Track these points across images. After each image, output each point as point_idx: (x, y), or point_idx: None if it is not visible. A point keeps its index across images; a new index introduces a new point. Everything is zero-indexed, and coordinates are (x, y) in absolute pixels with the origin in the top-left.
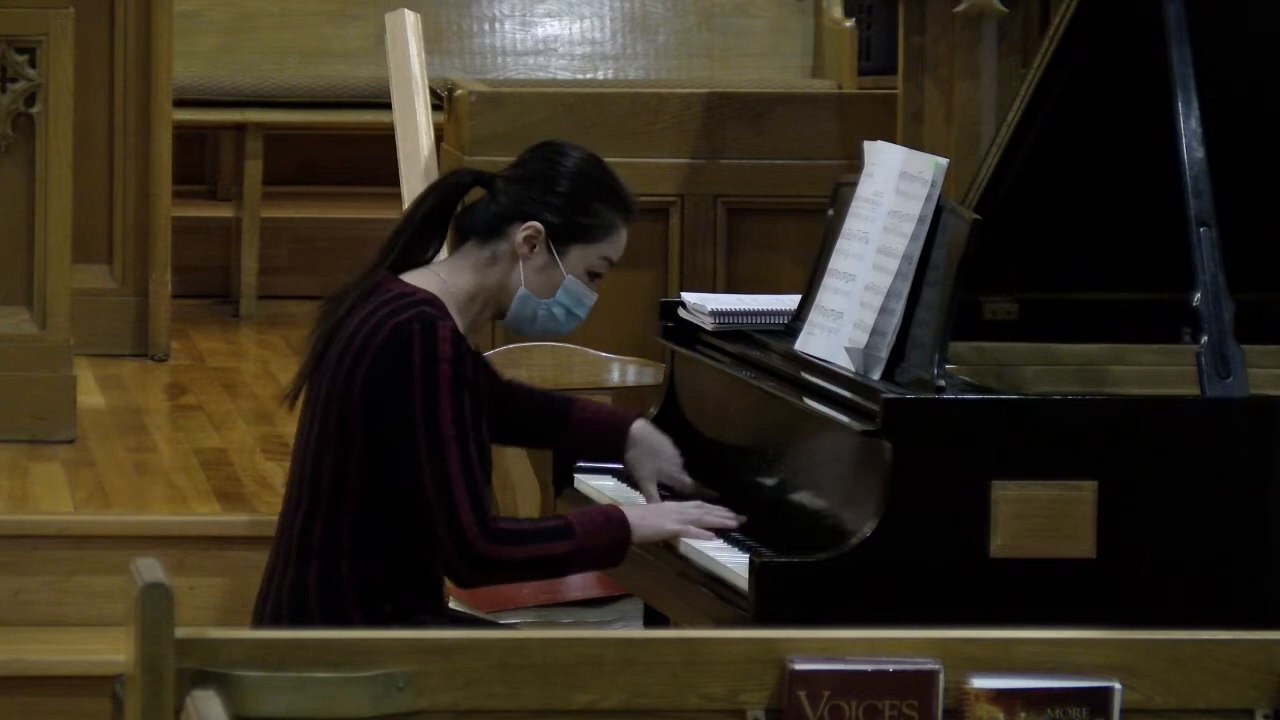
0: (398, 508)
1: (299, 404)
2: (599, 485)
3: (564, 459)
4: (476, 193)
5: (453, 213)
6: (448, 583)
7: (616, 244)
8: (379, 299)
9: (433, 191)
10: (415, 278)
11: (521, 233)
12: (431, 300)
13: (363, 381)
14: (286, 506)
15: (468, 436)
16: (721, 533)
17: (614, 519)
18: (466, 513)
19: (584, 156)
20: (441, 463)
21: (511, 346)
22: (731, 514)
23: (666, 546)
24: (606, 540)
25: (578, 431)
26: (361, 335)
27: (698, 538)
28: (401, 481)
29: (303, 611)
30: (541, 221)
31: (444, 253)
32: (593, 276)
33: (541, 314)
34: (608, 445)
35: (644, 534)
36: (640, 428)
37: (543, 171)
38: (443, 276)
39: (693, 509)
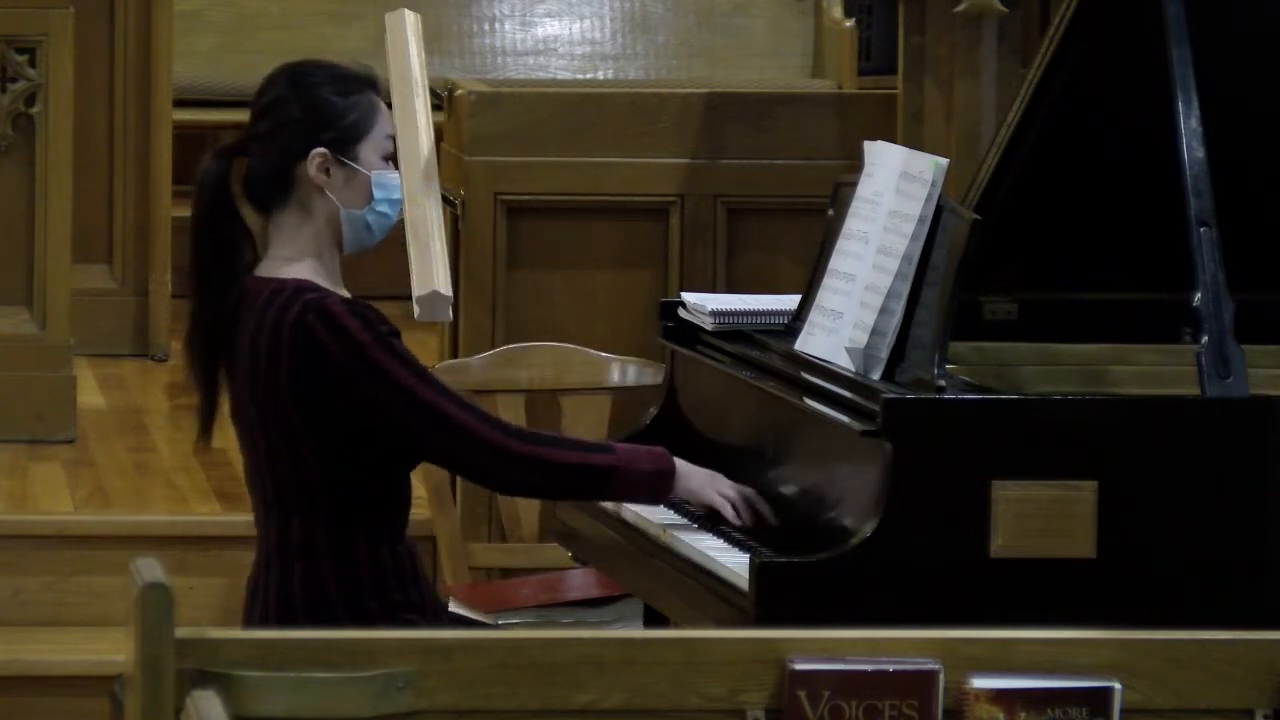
0: (371, 499)
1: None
2: None
3: None
4: None
5: (231, 199)
6: (447, 583)
7: (387, 118)
8: (259, 303)
9: (206, 178)
10: (269, 270)
11: (310, 166)
12: (303, 284)
13: (292, 391)
14: (258, 516)
15: (426, 372)
16: (720, 532)
17: (657, 453)
18: (479, 426)
19: (309, 66)
20: (429, 408)
21: (511, 347)
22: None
23: (664, 546)
24: (649, 467)
25: None
26: (264, 344)
27: (732, 520)
28: (407, 448)
29: (289, 614)
30: (319, 145)
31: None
32: (389, 159)
33: (371, 220)
34: None
35: (689, 484)
36: None
37: (285, 106)
38: (287, 256)
39: (744, 491)
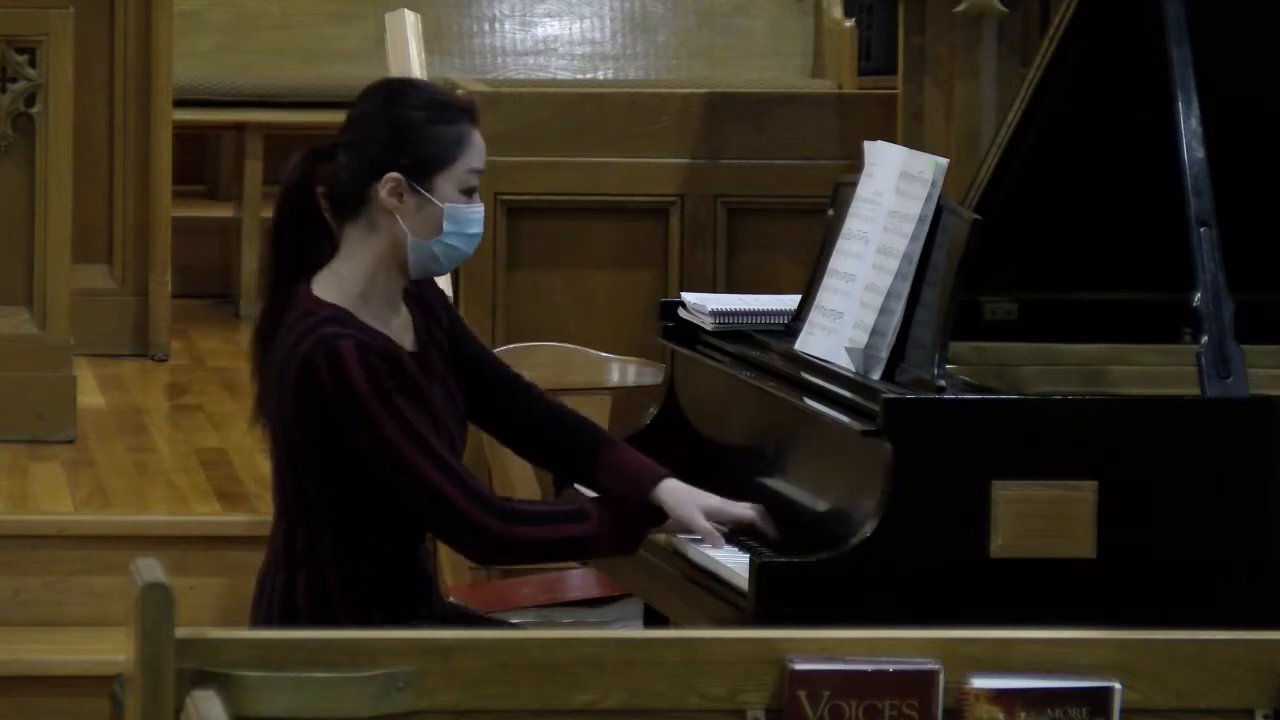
0: (373, 521)
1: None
2: None
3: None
4: None
5: (313, 201)
6: (447, 583)
7: (475, 152)
8: (289, 321)
9: (292, 177)
10: (321, 284)
11: (383, 189)
12: (334, 315)
13: (292, 419)
14: (274, 516)
15: (422, 436)
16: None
17: (630, 520)
18: (466, 505)
19: (406, 86)
20: (417, 477)
21: (512, 347)
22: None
23: (665, 547)
24: (620, 534)
25: (608, 477)
26: (278, 366)
27: (718, 543)
28: (374, 499)
29: (293, 619)
30: (395, 169)
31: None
32: (470, 192)
33: (439, 251)
34: (633, 497)
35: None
36: (667, 492)
37: (376, 121)
38: (341, 273)
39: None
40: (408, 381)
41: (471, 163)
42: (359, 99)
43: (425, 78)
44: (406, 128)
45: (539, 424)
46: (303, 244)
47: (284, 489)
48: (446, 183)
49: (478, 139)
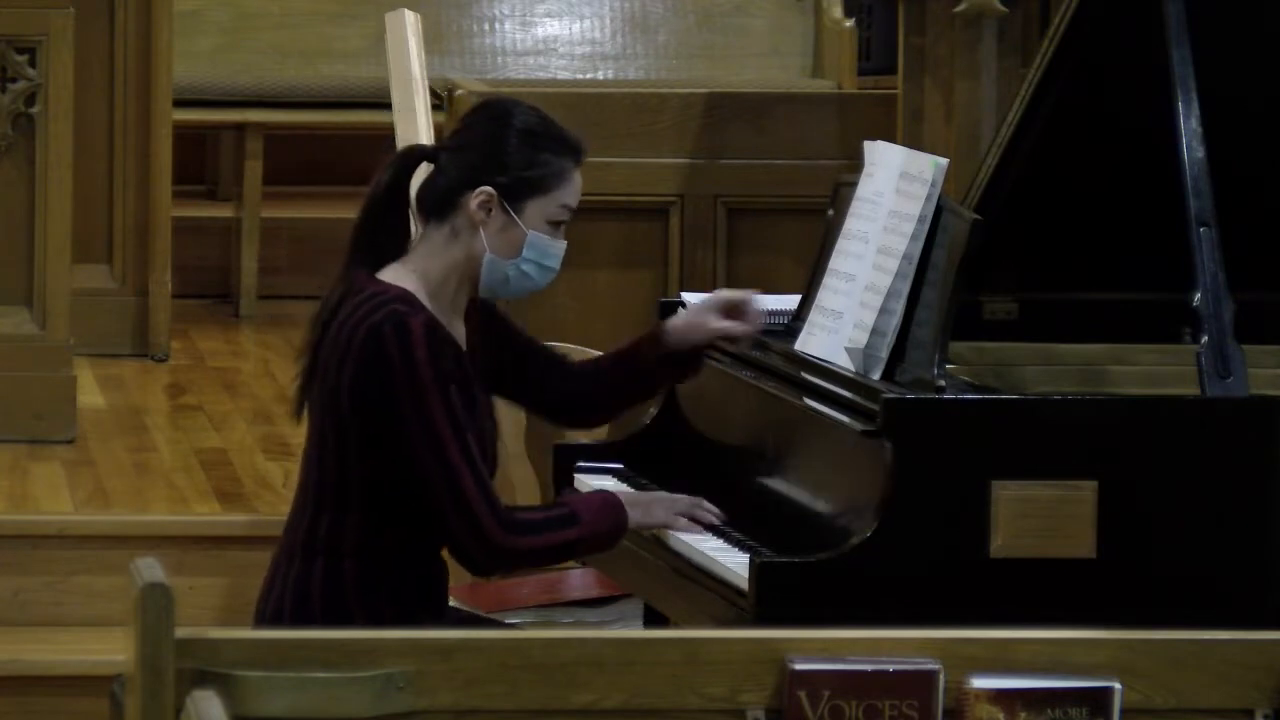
0: (403, 510)
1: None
2: (599, 485)
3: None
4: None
5: (407, 193)
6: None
7: (571, 190)
8: (355, 300)
9: (385, 173)
10: (390, 273)
11: (474, 200)
12: (403, 296)
13: (348, 389)
14: (294, 507)
15: (463, 430)
16: (720, 532)
17: (611, 504)
18: (480, 507)
19: (523, 110)
20: (445, 463)
21: None
22: (720, 513)
23: (665, 546)
24: (608, 526)
25: (655, 367)
26: (341, 340)
27: (687, 530)
28: (409, 483)
29: (305, 608)
30: (491, 184)
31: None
32: (557, 226)
33: (512, 274)
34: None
35: (636, 521)
36: (672, 323)
37: (485, 134)
38: (413, 268)
39: (685, 502)
40: (464, 375)
41: (566, 198)
42: (473, 109)
43: (425, 78)
44: (512, 147)
45: (618, 380)
46: (381, 239)
47: (320, 471)
48: (536, 210)
49: (578, 178)
